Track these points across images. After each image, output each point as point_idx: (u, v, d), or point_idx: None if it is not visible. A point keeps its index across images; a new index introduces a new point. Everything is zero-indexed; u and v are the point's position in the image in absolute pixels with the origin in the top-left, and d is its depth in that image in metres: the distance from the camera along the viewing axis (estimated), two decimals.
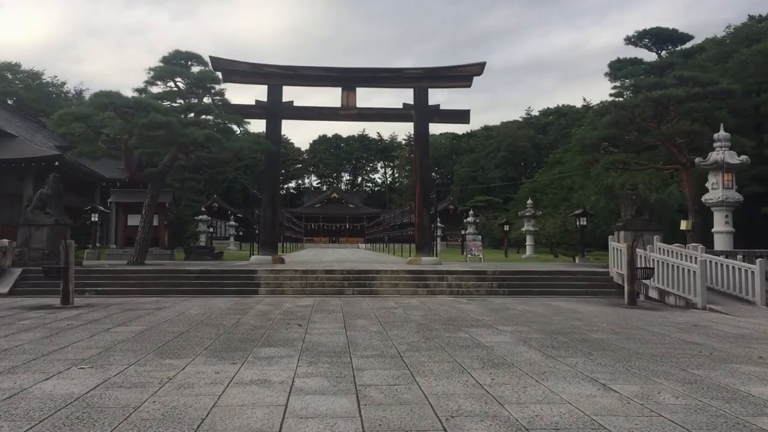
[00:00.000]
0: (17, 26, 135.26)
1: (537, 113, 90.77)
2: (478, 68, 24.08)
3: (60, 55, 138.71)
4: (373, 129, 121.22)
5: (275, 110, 24.15)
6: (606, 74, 26.43)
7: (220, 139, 21.85)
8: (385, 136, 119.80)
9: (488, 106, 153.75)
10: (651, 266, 15.39)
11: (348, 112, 24.44)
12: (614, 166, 24.75)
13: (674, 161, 23.56)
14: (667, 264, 15.44)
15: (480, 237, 30.87)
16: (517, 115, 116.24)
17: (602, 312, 13.01)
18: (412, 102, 24.46)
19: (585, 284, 18.06)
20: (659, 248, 16.81)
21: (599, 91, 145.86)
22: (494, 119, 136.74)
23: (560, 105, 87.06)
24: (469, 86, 24.45)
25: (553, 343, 8.86)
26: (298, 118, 26.29)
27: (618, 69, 25.85)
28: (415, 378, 6.46)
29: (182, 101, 23.88)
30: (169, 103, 23.04)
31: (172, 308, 13.24)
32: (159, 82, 23.14)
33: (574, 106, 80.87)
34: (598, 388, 6.05)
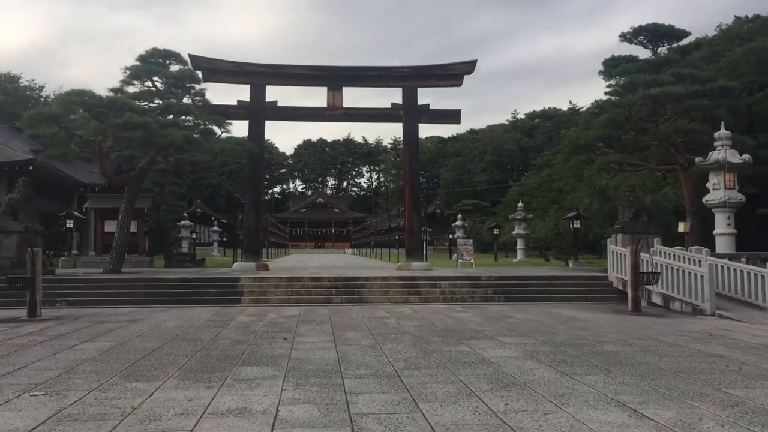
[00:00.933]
0: None
1: (523, 116, 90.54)
2: (469, 66, 23.26)
3: (44, 60, 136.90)
4: (359, 133, 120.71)
5: (258, 111, 23.15)
6: (600, 72, 25.85)
7: (199, 141, 20.86)
8: (371, 140, 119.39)
9: (474, 111, 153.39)
10: (656, 270, 14.63)
11: (334, 112, 23.49)
12: (609, 167, 24.09)
13: (671, 161, 22.93)
14: (672, 268, 14.71)
15: (471, 241, 30.07)
16: (503, 119, 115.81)
17: (607, 320, 12.28)
18: (400, 102, 23.65)
19: (583, 290, 17.31)
20: (661, 251, 16.12)
21: (586, 94, 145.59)
22: (480, 123, 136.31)
23: (546, 108, 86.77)
24: (459, 85, 23.65)
25: (564, 357, 8.08)
26: (282, 118, 25.31)
27: (613, 67, 25.26)
28: (418, 404, 5.66)
29: (160, 101, 22.84)
30: (146, 103, 21.99)
31: (146, 320, 12.34)
32: (136, 82, 22.09)
33: (560, 109, 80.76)
34: (629, 415, 5.27)
